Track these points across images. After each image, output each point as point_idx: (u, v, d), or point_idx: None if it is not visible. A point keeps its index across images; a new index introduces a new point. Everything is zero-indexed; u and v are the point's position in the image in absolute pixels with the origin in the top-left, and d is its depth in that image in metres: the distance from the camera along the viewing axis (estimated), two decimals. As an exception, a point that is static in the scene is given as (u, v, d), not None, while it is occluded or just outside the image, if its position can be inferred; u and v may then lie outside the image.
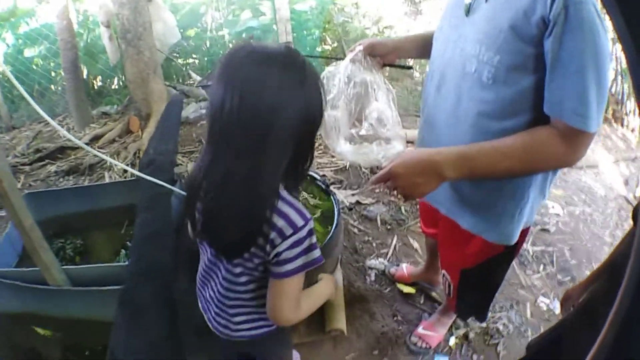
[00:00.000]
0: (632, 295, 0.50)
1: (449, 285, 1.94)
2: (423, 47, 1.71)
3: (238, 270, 1.16)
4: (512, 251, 1.66)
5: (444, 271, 1.96)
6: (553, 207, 3.74)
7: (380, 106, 1.72)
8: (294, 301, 1.14)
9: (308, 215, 1.06)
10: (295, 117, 0.96)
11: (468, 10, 1.36)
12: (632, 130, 6.11)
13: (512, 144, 1.22)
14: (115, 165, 3.62)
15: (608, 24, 1.11)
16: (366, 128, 1.73)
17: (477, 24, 1.31)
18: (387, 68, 1.87)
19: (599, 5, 1.09)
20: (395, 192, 1.30)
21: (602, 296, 1.12)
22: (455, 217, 1.64)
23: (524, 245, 3.16)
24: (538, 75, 1.19)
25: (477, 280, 1.81)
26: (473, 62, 1.32)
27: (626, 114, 6.35)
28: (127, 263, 2.12)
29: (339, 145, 1.71)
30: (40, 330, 2.33)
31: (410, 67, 2.07)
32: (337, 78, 1.70)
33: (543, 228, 3.43)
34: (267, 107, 0.93)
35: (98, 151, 3.34)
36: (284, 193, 1.05)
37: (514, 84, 1.25)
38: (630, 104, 6.28)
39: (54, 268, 2.08)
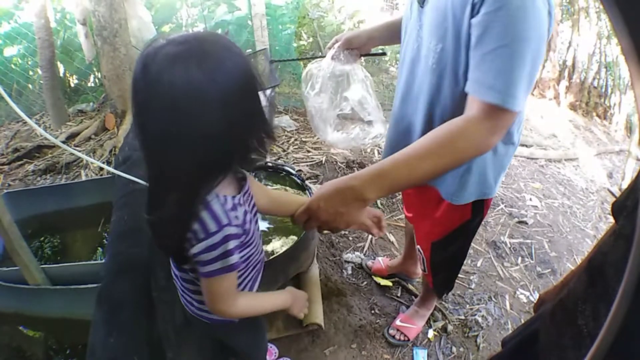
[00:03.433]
0: (631, 295, 0.50)
1: (423, 261, 2.01)
2: (393, 32, 1.80)
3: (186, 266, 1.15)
4: (474, 222, 1.75)
5: (418, 247, 2.02)
6: (530, 199, 3.77)
7: (359, 90, 1.82)
8: (224, 297, 1.12)
9: (224, 222, 1.00)
10: (205, 112, 0.87)
11: (422, 1, 1.40)
12: (617, 124, 6.18)
13: (425, 144, 1.18)
14: (91, 163, 3.60)
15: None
16: (346, 108, 1.87)
17: (428, 14, 1.36)
18: (363, 60, 1.96)
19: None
20: (321, 229, 1.26)
21: (581, 293, 1.12)
22: None
23: (501, 237, 3.20)
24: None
25: (446, 251, 1.89)
26: (423, 49, 1.41)
27: (609, 107, 6.43)
28: (104, 260, 2.11)
29: (329, 135, 1.80)
30: (25, 330, 2.34)
31: (384, 54, 2.12)
32: (320, 75, 1.82)
33: (520, 220, 3.46)
34: (162, 107, 0.86)
35: (74, 149, 3.31)
36: (210, 196, 0.99)
37: (455, 73, 1.31)
38: (615, 97, 6.35)
39: (32, 267, 2.10)
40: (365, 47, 1.86)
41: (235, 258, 1.03)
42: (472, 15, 1.16)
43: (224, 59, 0.88)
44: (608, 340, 0.53)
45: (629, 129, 6.05)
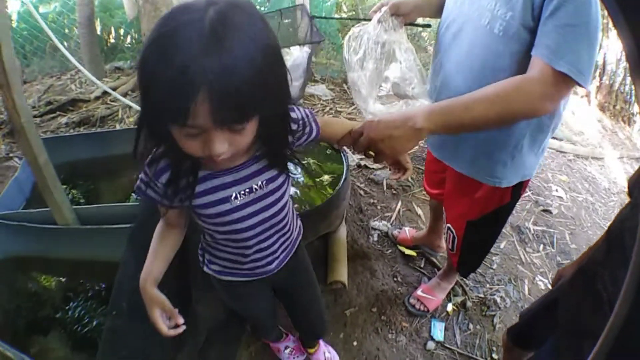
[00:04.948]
0: (635, 287, 0.51)
1: (453, 239, 2.00)
2: (440, 6, 1.77)
3: None
4: (511, 205, 1.79)
5: (449, 225, 2.01)
6: (557, 190, 3.76)
7: (403, 65, 1.76)
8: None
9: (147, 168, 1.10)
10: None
11: None
12: (638, 130, 6.12)
13: (484, 90, 1.24)
14: (131, 112, 3.63)
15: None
16: (386, 89, 1.77)
17: None
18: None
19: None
20: (369, 152, 1.31)
21: (600, 259, 1.14)
22: (455, 165, 1.78)
23: (526, 223, 3.20)
24: None
25: (480, 232, 1.90)
26: (487, 15, 1.40)
27: (632, 113, 6.35)
28: (137, 203, 2.14)
29: (369, 106, 1.75)
30: (42, 276, 2.36)
31: (429, 25, 2.08)
32: (364, 38, 1.75)
33: (545, 209, 3.45)
34: None
35: (122, 97, 3.32)
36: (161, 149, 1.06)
37: (521, 40, 1.33)
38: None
39: (65, 207, 2.09)
40: (410, 16, 1.81)
41: (150, 193, 1.14)
42: None
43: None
44: (623, 310, 0.53)
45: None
